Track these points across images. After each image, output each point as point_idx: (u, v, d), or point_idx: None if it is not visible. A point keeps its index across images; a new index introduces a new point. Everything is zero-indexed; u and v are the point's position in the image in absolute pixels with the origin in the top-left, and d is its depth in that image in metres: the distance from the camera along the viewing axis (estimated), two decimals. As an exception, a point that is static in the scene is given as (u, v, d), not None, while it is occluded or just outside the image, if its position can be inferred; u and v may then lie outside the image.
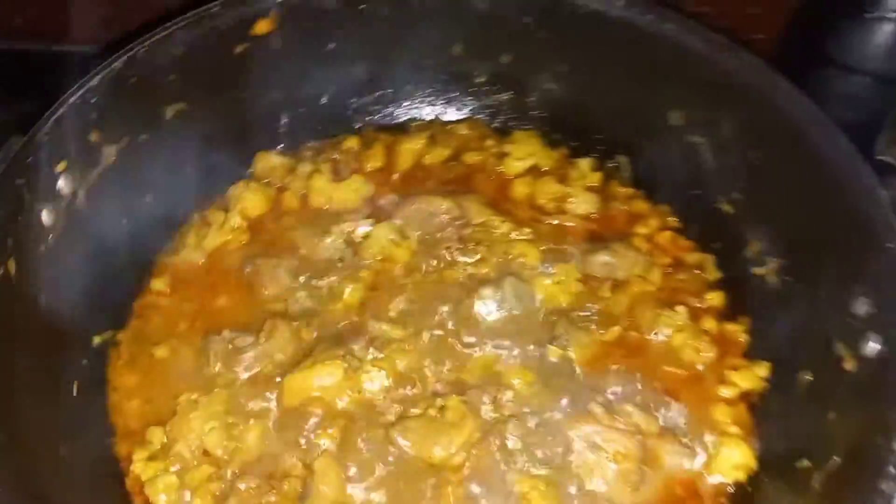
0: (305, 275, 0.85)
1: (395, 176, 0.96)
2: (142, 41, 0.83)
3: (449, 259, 0.86)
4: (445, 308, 0.82)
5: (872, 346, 0.68)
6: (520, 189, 0.95)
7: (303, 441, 0.74)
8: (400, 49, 0.98)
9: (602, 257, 0.88)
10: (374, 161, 0.97)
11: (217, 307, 0.85)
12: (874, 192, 0.72)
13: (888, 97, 1.07)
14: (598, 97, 0.97)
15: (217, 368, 0.78)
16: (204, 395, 0.76)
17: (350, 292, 0.83)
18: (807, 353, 0.76)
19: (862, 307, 0.70)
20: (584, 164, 0.97)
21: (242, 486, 0.71)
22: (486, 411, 0.75)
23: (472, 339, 0.81)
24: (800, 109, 0.80)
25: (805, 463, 0.69)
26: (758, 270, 0.85)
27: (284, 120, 0.98)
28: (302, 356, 0.78)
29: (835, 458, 0.67)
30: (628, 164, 0.98)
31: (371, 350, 0.78)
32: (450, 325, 0.82)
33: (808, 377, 0.75)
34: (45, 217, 0.75)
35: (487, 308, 0.83)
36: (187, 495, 0.72)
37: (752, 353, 0.83)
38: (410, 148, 0.98)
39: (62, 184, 0.77)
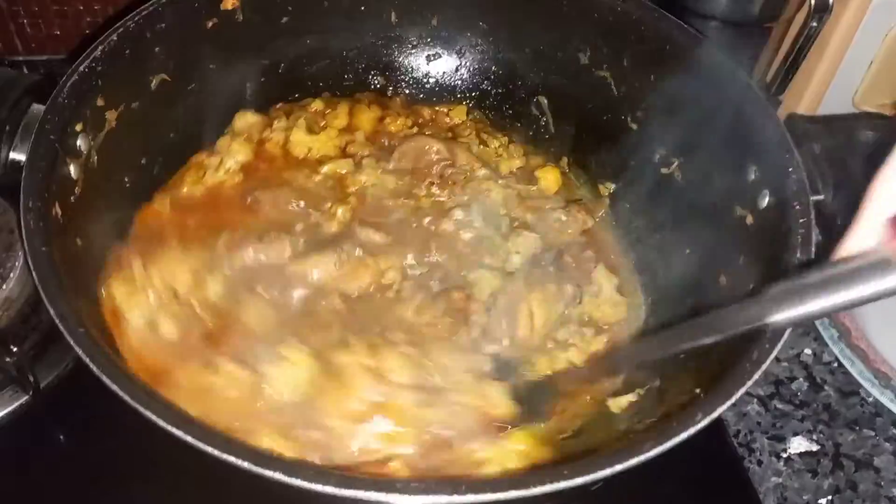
0: (301, 202, 0.98)
1: (360, 134, 1.10)
2: (132, 16, 0.94)
3: (432, 191, 1.03)
4: (425, 221, 0.98)
5: (765, 200, 0.89)
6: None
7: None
8: (341, 21, 1.14)
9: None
10: (340, 121, 1.11)
11: (220, 221, 0.96)
12: (748, 85, 0.94)
13: (736, 38, 1.32)
14: (517, 50, 1.16)
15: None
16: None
17: (342, 212, 0.97)
18: (714, 221, 0.97)
19: (752, 174, 0.91)
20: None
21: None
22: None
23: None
24: (679, 32, 1.01)
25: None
26: (665, 171, 1.06)
27: (250, 86, 1.10)
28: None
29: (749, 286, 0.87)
30: (548, 104, 1.18)
31: (358, 250, 0.93)
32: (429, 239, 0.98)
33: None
34: (73, 171, 0.85)
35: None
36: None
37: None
38: (371, 115, 1.13)
39: (80, 142, 0.86)
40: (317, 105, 1.12)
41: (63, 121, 0.84)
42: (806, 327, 1.18)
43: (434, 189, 1.03)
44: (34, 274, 0.69)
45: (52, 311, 0.67)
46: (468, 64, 1.19)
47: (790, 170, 0.86)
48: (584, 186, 1.15)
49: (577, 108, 1.15)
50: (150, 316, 0.82)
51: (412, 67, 1.20)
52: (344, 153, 1.08)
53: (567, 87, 1.15)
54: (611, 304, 0.98)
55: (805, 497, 1.02)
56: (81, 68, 0.87)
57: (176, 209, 0.97)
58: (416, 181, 1.06)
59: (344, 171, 1.05)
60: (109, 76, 0.90)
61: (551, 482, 0.61)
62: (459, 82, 1.21)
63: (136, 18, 0.94)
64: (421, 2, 1.14)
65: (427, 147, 1.07)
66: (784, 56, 1.25)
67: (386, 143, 1.11)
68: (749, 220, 0.91)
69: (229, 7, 1.02)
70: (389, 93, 1.20)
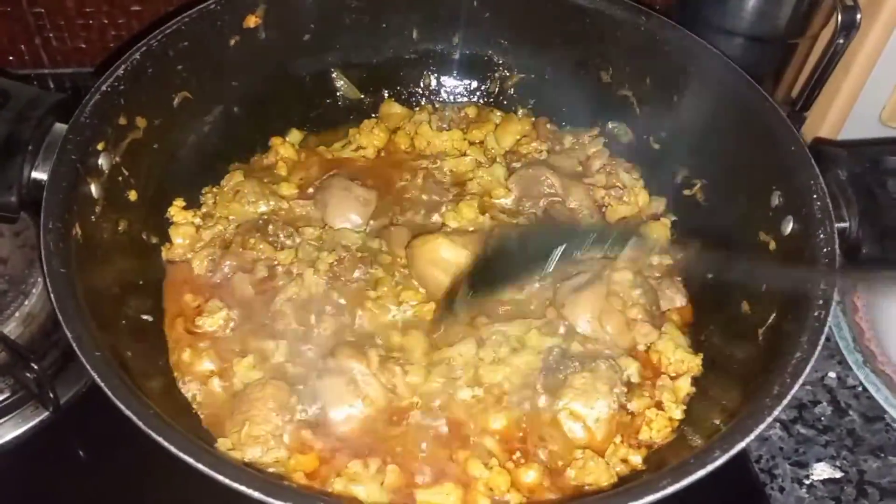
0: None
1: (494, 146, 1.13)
2: (154, 35, 0.94)
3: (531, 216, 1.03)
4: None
5: (789, 226, 0.87)
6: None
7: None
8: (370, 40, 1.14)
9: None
10: (482, 134, 1.14)
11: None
12: (773, 108, 0.93)
13: (760, 54, 1.31)
14: (542, 69, 1.16)
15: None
16: None
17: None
18: (739, 246, 0.95)
19: (777, 200, 0.90)
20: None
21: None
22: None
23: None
24: (704, 52, 1.00)
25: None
26: (688, 192, 1.05)
27: (276, 106, 1.11)
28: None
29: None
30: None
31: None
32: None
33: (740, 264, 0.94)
34: (94, 190, 0.85)
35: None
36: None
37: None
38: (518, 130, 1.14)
39: (102, 161, 0.87)
40: (471, 110, 1.16)
41: (85, 140, 0.85)
42: (830, 350, 1.16)
43: (522, 219, 1.03)
44: (51, 295, 0.70)
45: (68, 333, 0.68)
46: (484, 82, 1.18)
47: (815, 196, 0.85)
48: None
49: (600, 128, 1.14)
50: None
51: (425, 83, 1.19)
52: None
53: (585, 105, 1.13)
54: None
55: (828, 526, 1.00)
56: (104, 87, 0.88)
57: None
58: (510, 206, 1.05)
59: (462, 170, 1.08)
60: (132, 94, 0.91)
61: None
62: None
63: (160, 37, 0.94)
64: (443, 19, 1.13)
65: (542, 178, 1.04)
66: (809, 73, 1.23)
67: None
68: (772, 246, 0.90)
69: (251, 25, 1.02)
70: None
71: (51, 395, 0.95)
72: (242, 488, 0.60)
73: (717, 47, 1.29)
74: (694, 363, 0.90)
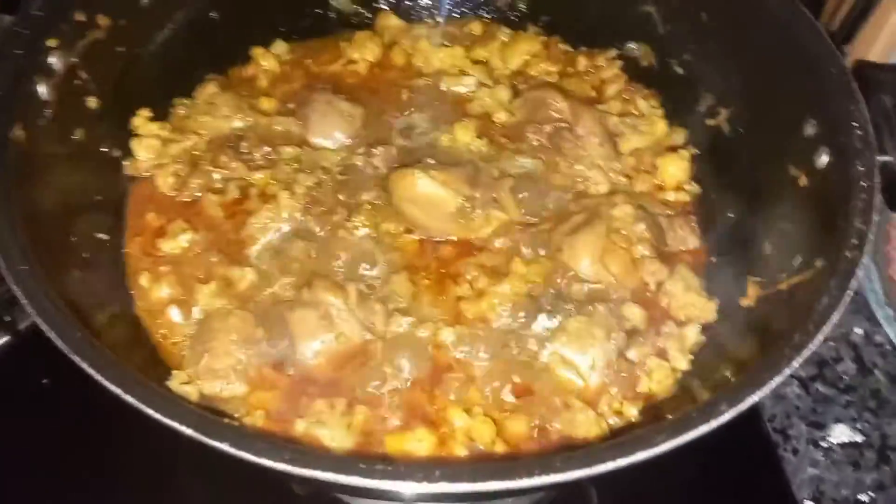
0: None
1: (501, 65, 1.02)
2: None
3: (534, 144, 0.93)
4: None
5: (823, 159, 0.77)
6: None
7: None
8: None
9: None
10: (487, 52, 1.02)
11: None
12: (814, 26, 0.81)
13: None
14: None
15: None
16: None
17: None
18: (766, 181, 0.85)
19: (811, 129, 0.79)
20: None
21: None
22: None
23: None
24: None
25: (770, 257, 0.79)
26: (711, 122, 0.94)
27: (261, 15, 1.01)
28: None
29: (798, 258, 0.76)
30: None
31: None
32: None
33: (765, 200, 0.84)
34: (41, 90, 0.76)
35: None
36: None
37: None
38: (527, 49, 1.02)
39: (53, 60, 0.78)
40: (476, 26, 1.04)
41: (34, 35, 0.76)
42: (857, 304, 1.06)
43: (522, 150, 0.92)
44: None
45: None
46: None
47: (854, 125, 0.74)
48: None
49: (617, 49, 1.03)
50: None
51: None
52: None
53: (603, 23, 1.02)
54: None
55: (844, 492, 0.92)
56: (58, -25, 0.78)
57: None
58: (513, 131, 0.95)
59: (464, 91, 0.98)
60: (91, -11, 0.81)
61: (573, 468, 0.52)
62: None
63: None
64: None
65: (550, 101, 0.94)
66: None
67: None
68: (802, 181, 0.79)
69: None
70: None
71: (7, 319, 0.89)
72: (174, 424, 0.52)
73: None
74: (707, 308, 0.81)
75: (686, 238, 0.87)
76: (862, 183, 0.70)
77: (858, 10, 1.10)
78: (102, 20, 0.84)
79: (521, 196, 0.87)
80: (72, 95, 0.81)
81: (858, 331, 1.06)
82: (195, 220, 0.84)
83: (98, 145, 0.85)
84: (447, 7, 1.08)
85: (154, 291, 0.78)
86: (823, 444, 0.95)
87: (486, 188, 0.86)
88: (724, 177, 0.91)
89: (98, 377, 0.55)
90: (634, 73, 1.02)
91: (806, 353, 0.60)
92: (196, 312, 0.77)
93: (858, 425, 0.97)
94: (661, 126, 0.96)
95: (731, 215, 0.89)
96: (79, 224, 0.78)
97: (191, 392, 0.71)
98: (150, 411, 0.53)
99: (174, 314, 0.77)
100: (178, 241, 0.81)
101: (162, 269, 0.80)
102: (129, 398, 0.54)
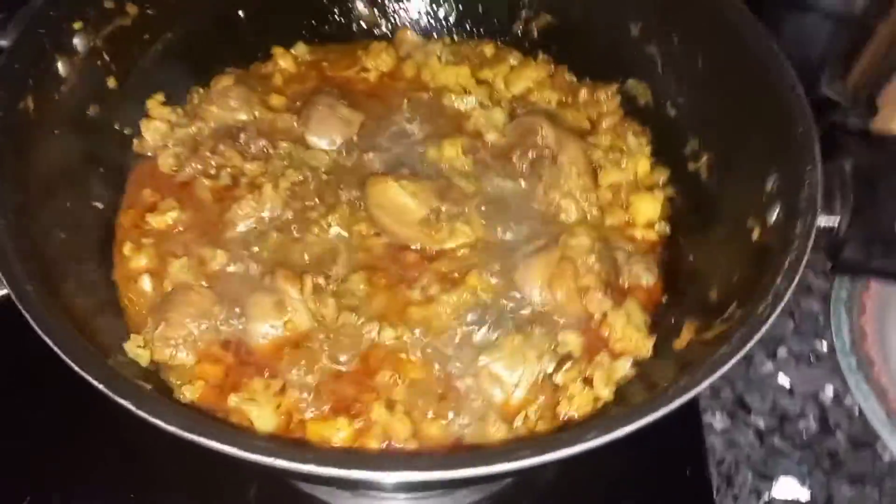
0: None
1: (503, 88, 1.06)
2: (154, -77, 0.93)
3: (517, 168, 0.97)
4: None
5: (774, 215, 0.78)
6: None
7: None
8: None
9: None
10: (492, 74, 1.07)
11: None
12: (794, 86, 0.82)
13: (839, 35, 1.18)
14: (572, 13, 1.07)
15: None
16: None
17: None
18: (727, 230, 0.87)
19: (771, 184, 0.80)
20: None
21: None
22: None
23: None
24: (736, 16, 0.89)
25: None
26: (693, 166, 0.96)
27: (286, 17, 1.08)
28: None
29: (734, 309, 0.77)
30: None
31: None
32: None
33: (723, 249, 0.86)
34: (61, 67, 0.85)
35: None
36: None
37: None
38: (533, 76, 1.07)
39: (77, 41, 0.87)
40: (488, 48, 1.09)
41: (59, 17, 0.84)
42: (833, 364, 1.06)
43: (503, 173, 0.96)
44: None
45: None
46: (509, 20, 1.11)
47: (806, 183, 0.75)
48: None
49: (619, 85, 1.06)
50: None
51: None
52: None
53: (608, 58, 1.05)
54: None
55: (774, 548, 0.92)
56: (90, -32, 0.87)
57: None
58: (500, 152, 0.98)
59: (462, 109, 1.03)
60: (123, -20, 0.90)
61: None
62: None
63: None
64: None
65: (535, 128, 0.97)
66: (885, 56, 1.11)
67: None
68: (755, 234, 0.80)
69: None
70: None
71: None
72: (88, 377, 0.59)
73: (788, 22, 1.19)
74: (643, 345, 0.83)
75: (641, 275, 0.89)
76: (796, 242, 0.72)
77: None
78: (131, 8, 0.93)
79: (489, 215, 0.91)
80: (92, 74, 0.90)
81: (829, 391, 1.05)
82: (185, 200, 0.91)
83: (112, 122, 0.94)
84: (465, 28, 1.12)
85: (133, 260, 0.86)
86: (765, 497, 0.95)
87: (454, 203, 0.90)
88: (694, 221, 0.93)
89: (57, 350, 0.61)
90: (631, 109, 1.04)
91: (685, 398, 0.62)
92: (167, 285, 0.84)
93: (807, 483, 0.97)
94: (643, 164, 0.98)
95: (692, 259, 0.90)
96: (77, 191, 0.86)
97: (142, 355, 0.78)
98: (65, 358, 0.59)
99: (146, 283, 0.84)
100: (165, 218, 0.89)
101: (144, 240, 0.88)
102: (60, 352, 0.60)
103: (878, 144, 0.79)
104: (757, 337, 0.66)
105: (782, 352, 1.11)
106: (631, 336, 0.83)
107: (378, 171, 0.93)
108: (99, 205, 0.89)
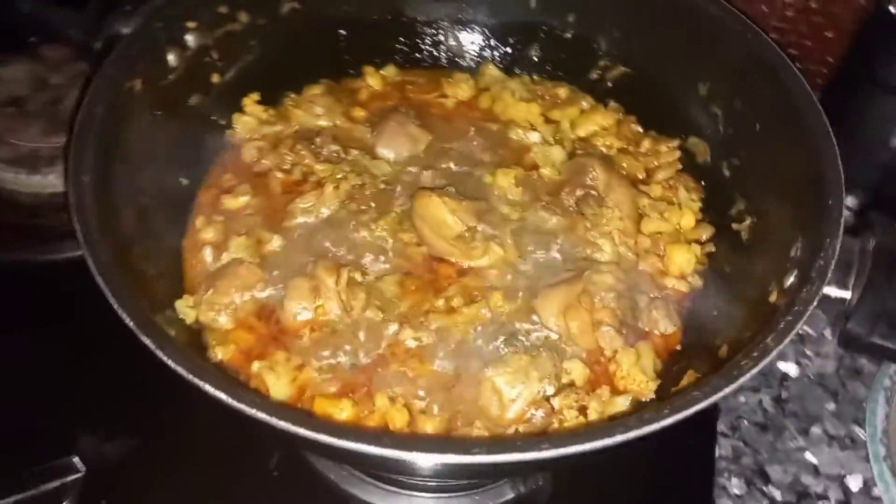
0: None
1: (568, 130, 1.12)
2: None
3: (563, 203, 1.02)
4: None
5: (790, 280, 0.79)
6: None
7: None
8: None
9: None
10: (561, 115, 1.13)
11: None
12: (835, 161, 0.84)
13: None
14: (646, 68, 1.12)
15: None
16: None
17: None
18: (751, 290, 0.88)
19: (795, 251, 0.82)
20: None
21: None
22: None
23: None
24: (797, 93, 0.91)
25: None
26: (736, 226, 0.98)
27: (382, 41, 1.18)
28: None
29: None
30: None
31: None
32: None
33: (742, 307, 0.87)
34: (171, 58, 0.98)
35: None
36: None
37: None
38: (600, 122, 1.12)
39: (189, 37, 0.99)
40: (563, 91, 1.16)
41: (175, 15, 0.97)
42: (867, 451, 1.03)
43: (550, 206, 1.01)
44: (75, 126, 0.82)
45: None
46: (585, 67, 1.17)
47: (822, 254, 0.76)
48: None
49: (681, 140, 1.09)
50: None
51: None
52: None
53: (675, 114, 1.08)
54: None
55: None
56: (209, -22, 1.00)
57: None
58: (552, 188, 1.04)
59: (526, 143, 1.09)
60: (237, -10, 1.02)
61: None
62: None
63: (281, -53, 1.05)
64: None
65: (588, 169, 1.02)
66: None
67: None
68: (773, 297, 0.82)
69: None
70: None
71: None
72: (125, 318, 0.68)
73: (887, 107, 1.18)
74: (646, 387, 0.86)
75: (659, 321, 0.91)
76: (797, 307, 0.73)
77: None
78: (243, 17, 1.05)
79: (524, 242, 0.96)
80: (199, 69, 1.02)
81: (858, 478, 1.03)
82: (258, 188, 1.02)
83: (210, 113, 1.05)
84: (546, 69, 1.19)
85: (202, 232, 0.97)
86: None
87: (491, 225, 0.96)
88: (726, 279, 0.95)
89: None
90: (689, 165, 1.07)
91: (629, 435, 0.64)
92: (224, 257, 0.94)
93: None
94: (689, 218, 1.01)
95: (715, 314, 0.92)
96: (167, 166, 0.98)
97: (189, 314, 0.88)
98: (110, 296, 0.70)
99: (207, 253, 0.94)
100: (238, 200, 1.00)
101: (216, 217, 0.98)
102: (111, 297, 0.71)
103: (908, 228, 0.79)
104: (730, 388, 0.68)
105: (816, 430, 1.10)
106: (636, 377, 0.86)
107: (428, 187, 1.00)
108: (184, 181, 1.01)
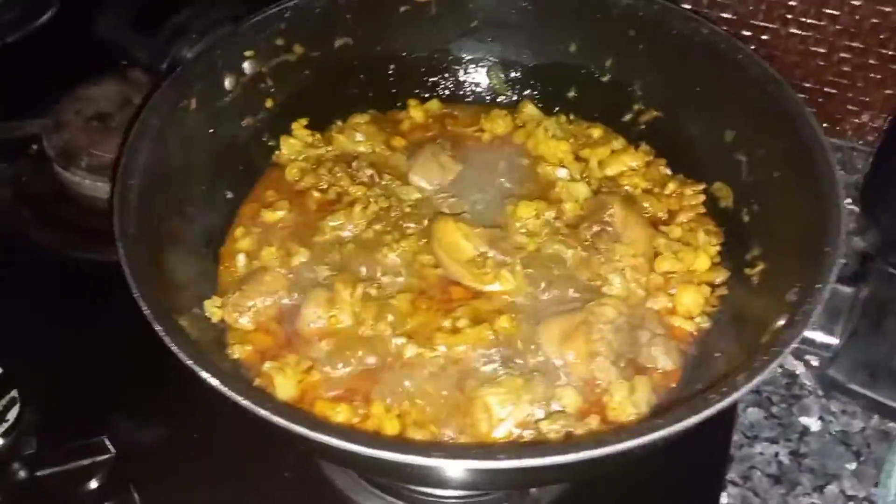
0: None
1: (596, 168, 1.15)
2: (330, -16, 1.14)
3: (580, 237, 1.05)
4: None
5: (778, 322, 0.80)
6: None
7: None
8: (528, 39, 1.23)
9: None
10: (590, 153, 1.16)
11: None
12: (837, 212, 0.85)
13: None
14: (678, 113, 1.15)
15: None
16: None
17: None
18: (752, 335, 0.89)
19: (790, 296, 0.83)
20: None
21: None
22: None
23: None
24: (811, 139, 0.93)
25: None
26: (749, 271, 0.99)
27: (427, 76, 1.26)
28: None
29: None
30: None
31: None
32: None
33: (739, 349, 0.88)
34: (227, 82, 1.07)
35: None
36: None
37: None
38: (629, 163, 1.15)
39: (246, 65, 1.09)
40: (596, 131, 1.20)
41: (234, 43, 1.07)
42: None
43: (566, 240, 1.04)
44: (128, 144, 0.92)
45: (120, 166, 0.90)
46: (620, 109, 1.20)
47: (808, 301, 0.77)
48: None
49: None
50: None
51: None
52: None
53: (703, 159, 1.11)
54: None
55: None
56: (270, 12, 1.10)
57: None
58: (573, 222, 1.08)
59: (552, 178, 1.13)
60: (295, 25, 1.12)
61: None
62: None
63: (333, -13, 1.14)
64: (602, 40, 1.18)
65: (607, 206, 1.05)
66: None
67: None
68: (763, 339, 0.83)
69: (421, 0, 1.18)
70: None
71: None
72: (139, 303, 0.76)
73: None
74: (633, 418, 0.87)
75: (658, 358, 0.93)
76: (773, 349, 0.74)
77: None
78: (298, 48, 1.15)
79: (535, 272, 1.00)
80: (254, 93, 1.12)
81: (868, 539, 1.01)
82: (295, 204, 1.10)
83: (261, 134, 1.15)
84: (582, 109, 1.23)
85: (240, 241, 1.05)
86: None
87: (503, 252, 1.00)
88: (733, 323, 0.96)
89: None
90: (712, 209, 1.09)
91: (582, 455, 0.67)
92: (255, 265, 1.02)
93: None
94: (703, 261, 1.02)
95: (717, 355, 0.93)
96: (215, 179, 1.08)
97: (215, 313, 0.96)
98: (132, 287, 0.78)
99: (241, 260, 1.03)
100: (276, 214, 1.08)
101: (254, 229, 1.07)
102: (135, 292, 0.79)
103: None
104: (690, 421, 0.70)
105: (832, 489, 1.07)
106: (626, 409, 0.88)
107: (449, 213, 1.05)
108: (229, 194, 1.10)
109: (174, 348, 0.74)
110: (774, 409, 1.15)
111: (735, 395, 0.71)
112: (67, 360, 1.11)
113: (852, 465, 1.10)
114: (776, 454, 1.11)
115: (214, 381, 0.70)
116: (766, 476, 1.09)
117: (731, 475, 1.09)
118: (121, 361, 1.11)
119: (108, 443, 1.02)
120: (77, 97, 1.42)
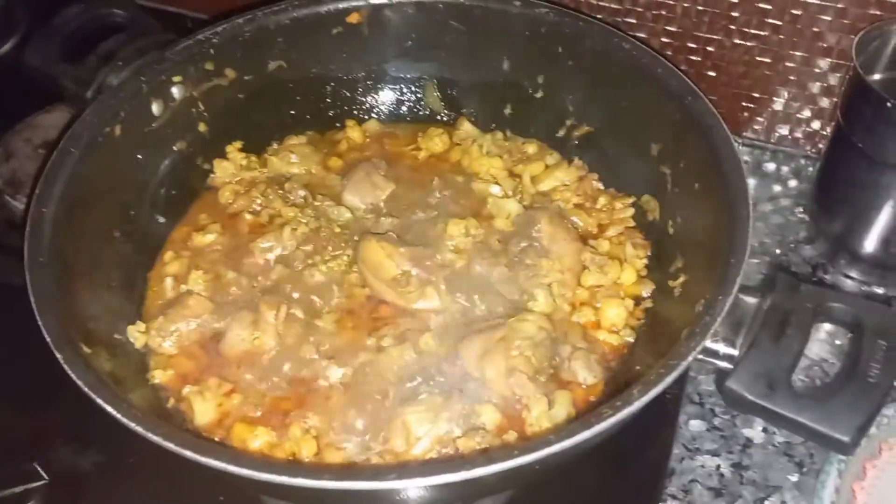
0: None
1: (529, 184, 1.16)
2: (262, 9, 1.15)
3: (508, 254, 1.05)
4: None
5: (685, 334, 0.80)
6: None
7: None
8: (462, 58, 1.24)
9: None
10: (524, 169, 1.17)
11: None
12: (744, 223, 0.85)
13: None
14: (608, 128, 1.16)
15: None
16: None
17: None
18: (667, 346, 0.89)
19: (699, 307, 0.83)
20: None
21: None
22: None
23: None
24: (725, 151, 0.93)
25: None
26: (672, 283, 0.99)
27: (365, 96, 1.26)
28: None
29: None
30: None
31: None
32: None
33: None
34: (154, 108, 1.08)
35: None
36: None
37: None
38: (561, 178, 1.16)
39: (175, 90, 1.10)
40: (532, 147, 1.21)
41: (161, 69, 1.08)
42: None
43: (494, 256, 1.04)
44: (47, 166, 0.93)
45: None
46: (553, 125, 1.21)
47: (710, 312, 0.78)
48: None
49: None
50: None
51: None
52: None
53: (631, 173, 1.11)
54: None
55: None
56: (199, 37, 1.11)
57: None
58: (503, 238, 1.07)
59: (485, 195, 1.13)
60: (225, 49, 1.13)
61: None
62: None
63: (266, 10, 1.15)
64: (532, 57, 1.19)
65: (535, 221, 1.06)
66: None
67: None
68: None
69: (354, 21, 1.19)
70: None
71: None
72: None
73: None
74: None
75: (578, 372, 0.93)
76: (671, 361, 0.74)
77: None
78: (230, 73, 1.15)
79: (459, 289, 1.00)
80: (186, 118, 1.13)
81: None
82: (227, 227, 1.10)
83: (194, 158, 1.16)
84: (519, 126, 1.23)
85: (168, 266, 1.05)
86: None
87: (426, 270, 1.01)
88: (655, 335, 0.96)
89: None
90: (641, 222, 1.09)
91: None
92: (181, 289, 1.03)
93: None
94: (629, 274, 1.02)
95: (639, 368, 0.93)
96: (146, 205, 1.08)
97: (139, 338, 0.97)
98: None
99: (168, 284, 1.03)
100: (206, 238, 1.08)
101: (184, 252, 1.07)
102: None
103: (812, 292, 0.79)
104: (583, 436, 0.70)
105: (774, 501, 1.06)
106: (542, 424, 0.88)
107: (377, 232, 1.06)
108: (161, 219, 1.11)
109: (73, 376, 0.74)
110: (717, 421, 1.15)
111: (629, 410, 0.71)
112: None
113: (794, 477, 1.09)
114: (718, 467, 1.10)
115: (109, 408, 0.71)
116: (707, 489, 1.08)
117: (671, 489, 1.08)
118: (55, 388, 1.11)
119: (40, 469, 1.02)
120: (26, 125, 1.43)
